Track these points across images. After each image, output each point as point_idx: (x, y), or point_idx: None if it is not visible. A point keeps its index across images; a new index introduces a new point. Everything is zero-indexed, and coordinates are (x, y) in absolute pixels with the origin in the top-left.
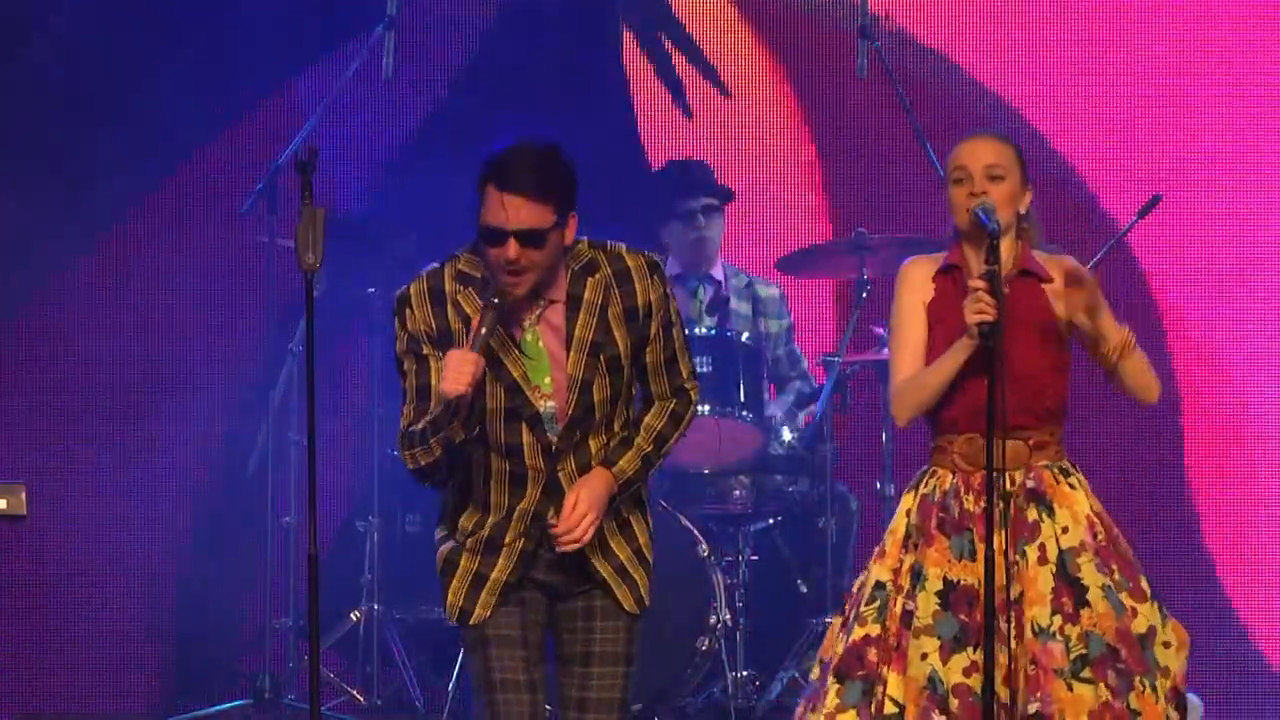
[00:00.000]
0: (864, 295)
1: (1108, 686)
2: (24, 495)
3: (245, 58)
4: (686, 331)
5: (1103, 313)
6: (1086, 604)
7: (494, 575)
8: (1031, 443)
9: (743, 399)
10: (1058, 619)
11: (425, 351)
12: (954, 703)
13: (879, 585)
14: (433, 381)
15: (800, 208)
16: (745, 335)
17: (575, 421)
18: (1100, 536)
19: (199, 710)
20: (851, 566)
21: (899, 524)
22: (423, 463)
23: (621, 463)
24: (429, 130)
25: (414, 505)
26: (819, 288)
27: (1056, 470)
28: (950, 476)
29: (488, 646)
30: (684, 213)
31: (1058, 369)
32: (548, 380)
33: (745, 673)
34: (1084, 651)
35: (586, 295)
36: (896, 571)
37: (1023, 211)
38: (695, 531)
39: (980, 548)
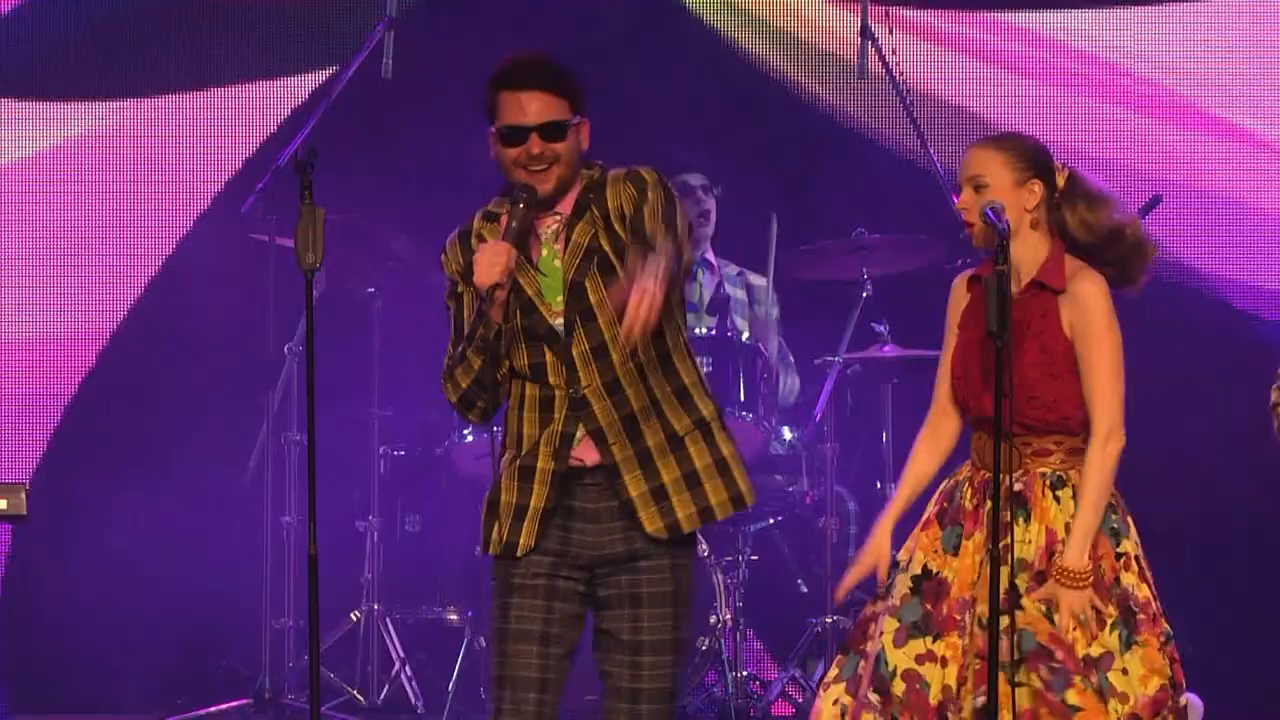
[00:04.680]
0: (864, 295)
1: (1040, 678)
2: (24, 495)
3: (245, 57)
4: (687, 332)
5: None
6: (1020, 608)
7: (533, 504)
8: (1031, 450)
9: (743, 399)
10: (1005, 618)
11: (460, 290)
12: (900, 686)
13: (895, 564)
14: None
15: (799, 207)
16: (745, 335)
17: (578, 320)
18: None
19: (199, 710)
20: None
21: (929, 507)
22: (463, 385)
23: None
24: (427, 128)
25: (414, 505)
26: (819, 288)
27: (1052, 479)
28: (967, 470)
29: (510, 595)
30: (683, 186)
31: (1054, 378)
32: (560, 298)
33: (745, 673)
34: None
35: (590, 206)
36: (910, 550)
37: (1029, 208)
38: (695, 531)
39: (964, 544)
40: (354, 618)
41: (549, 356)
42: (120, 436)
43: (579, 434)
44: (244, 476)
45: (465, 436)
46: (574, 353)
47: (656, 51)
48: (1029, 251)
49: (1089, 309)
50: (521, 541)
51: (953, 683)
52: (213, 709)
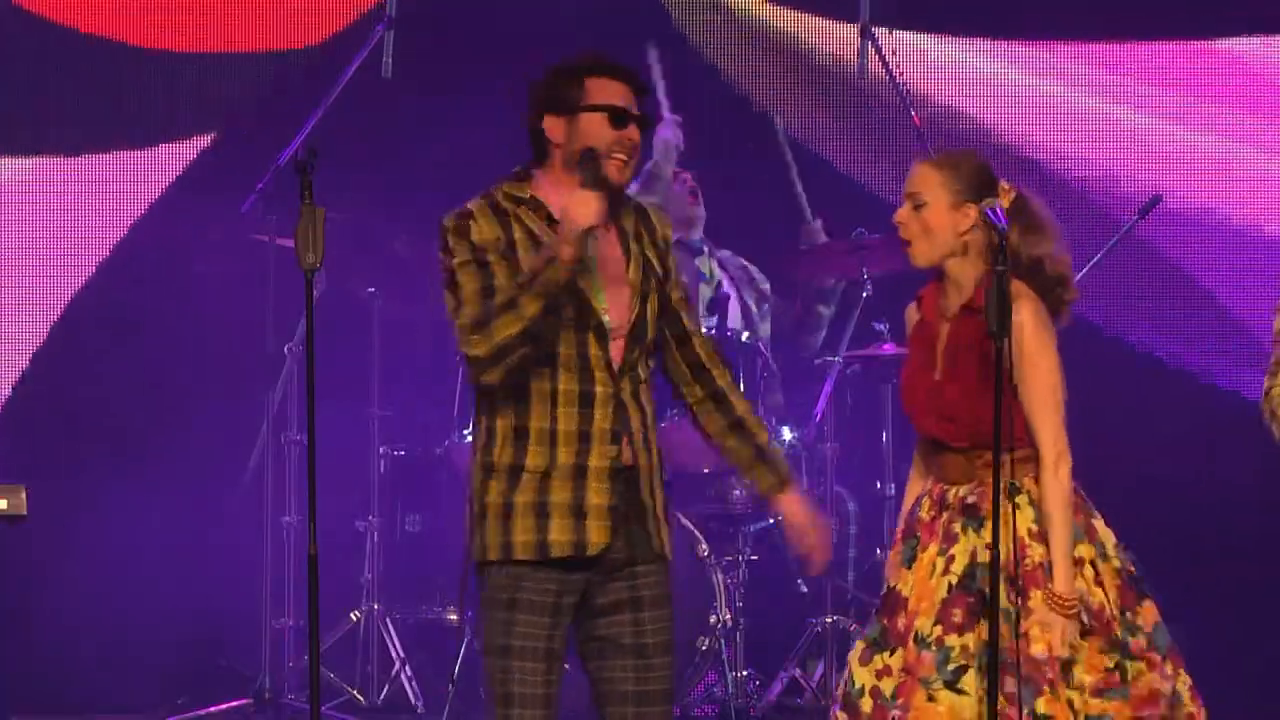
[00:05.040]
0: (864, 295)
1: (1004, 695)
2: (24, 495)
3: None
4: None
5: None
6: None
7: (595, 501)
8: (982, 462)
9: None
10: (938, 629)
11: (490, 259)
12: (868, 704)
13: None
14: (500, 283)
15: (798, 207)
16: (745, 335)
17: (637, 335)
18: (1030, 561)
19: (199, 710)
20: (852, 566)
21: (899, 523)
22: (506, 333)
23: (785, 469)
24: (428, 129)
25: (414, 505)
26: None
27: (1004, 488)
28: (928, 484)
29: (515, 611)
30: (667, 172)
31: (991, 402)
32: (603, 296)
33: (745, 673)
34: (964, 662)
35: (628, 224)
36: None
37: (962, 231)
38: (695, 531)
39: (920, 556)
40: (354, 618)
41: (594, 350)
42: (120, 436)
43: (621, 433)
44: (244, 476)
45: (465, 436)
46: (621, 356)
47: (655, 52)
48: (965, 274)
49: (1018, 338)
50: (593, 540)
51: (887, 694)
52: (213, 709)
